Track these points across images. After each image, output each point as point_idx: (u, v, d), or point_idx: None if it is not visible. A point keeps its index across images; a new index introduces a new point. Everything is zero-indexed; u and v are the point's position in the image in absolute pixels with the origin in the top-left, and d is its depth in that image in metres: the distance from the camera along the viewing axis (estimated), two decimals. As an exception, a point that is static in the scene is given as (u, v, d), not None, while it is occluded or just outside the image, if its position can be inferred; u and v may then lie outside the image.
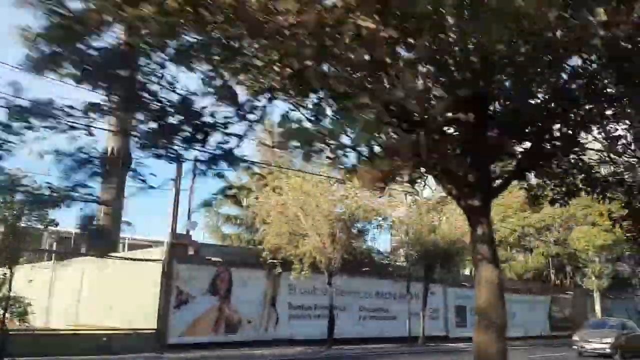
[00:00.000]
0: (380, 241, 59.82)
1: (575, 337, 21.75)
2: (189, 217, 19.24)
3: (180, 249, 18.39)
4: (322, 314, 21.86)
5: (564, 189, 7.72)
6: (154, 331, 17.42)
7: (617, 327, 22.05)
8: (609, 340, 20.50)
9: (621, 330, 21.82)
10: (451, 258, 26.30)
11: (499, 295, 5.68)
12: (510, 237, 38.53)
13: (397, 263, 27.18)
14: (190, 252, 18.66)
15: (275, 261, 20.46)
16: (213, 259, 18.92)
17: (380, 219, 22.38)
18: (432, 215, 25.37)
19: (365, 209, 20.87)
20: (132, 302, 18.55)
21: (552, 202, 7.71)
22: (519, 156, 6.17)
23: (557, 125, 5.84)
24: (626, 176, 7.67)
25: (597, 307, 38.38)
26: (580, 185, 7.81)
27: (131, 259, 18.86)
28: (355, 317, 23.85)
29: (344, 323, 22.68)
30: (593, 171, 7.44)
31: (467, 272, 34.58)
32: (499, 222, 38.06)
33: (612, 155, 7.30)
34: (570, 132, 5.78)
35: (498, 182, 6.14)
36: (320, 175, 20.30)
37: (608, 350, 20.29)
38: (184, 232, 19.04)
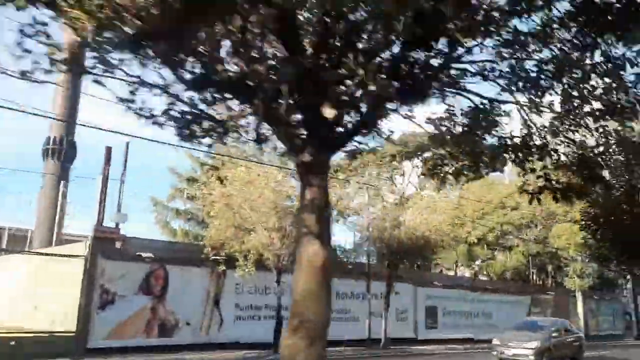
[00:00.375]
0: (344, 238, 57.91)
1: (496, 341, 18.31)
2: (118, 209, 17.58)
3: (106, 243, 16.69)
4: (273, 315, 20.20)
5: (472, 158, 6.10)
6: (73, 334, 15.75)
7: (547, 329, 18.66)
8: (533, 344, 17.21)
9: (551, 332, 18.53)
10: (418, 255, 24.80)
11: (322, 283, 3.97)
12: (490, 236, 36.99)
13: (361, 261, 25.51)
14: (119, 247, 16.97)
15: (218, 258, 18.85)
16: (144, 255, 17.22)
17: (335, 212, 20.66)
18: (396, 211, 23.75)
19: (315, 201, 19.18)
20: (57, 302, 16.94)
21: (457, 176, 6.09)
22: (358, 96, 4.52)
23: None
24: (549, 140, 6.05)
25: (580, 308, 36.87)
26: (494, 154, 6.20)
27: (52, 254, 17.19)
28: (312, 319, 22.14)
29: (299, 325, 21.03)
30: (504, 132, 5.83)
31: (437, 270, 33.03)
32: (478, 220, 36.55)
33: (525, 109, 5.69)
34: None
35: (339, 132, 4.51)
36: (267, 164, 18.70)
37: (531, 357, 17.10)
38: (114, 225, 17.38)
